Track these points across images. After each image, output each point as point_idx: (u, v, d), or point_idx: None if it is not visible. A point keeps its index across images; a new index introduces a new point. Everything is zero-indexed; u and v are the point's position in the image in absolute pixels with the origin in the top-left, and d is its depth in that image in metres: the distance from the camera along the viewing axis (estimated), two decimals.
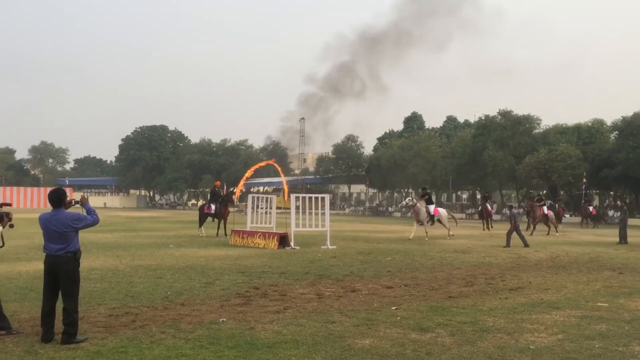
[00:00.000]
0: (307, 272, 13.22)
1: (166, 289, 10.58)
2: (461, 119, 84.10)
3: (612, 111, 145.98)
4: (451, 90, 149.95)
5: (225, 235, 23.39)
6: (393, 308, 9.04)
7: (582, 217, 41.68)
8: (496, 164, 55.86)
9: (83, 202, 7.35)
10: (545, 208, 29.29)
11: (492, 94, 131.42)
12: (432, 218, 24.51)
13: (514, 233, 20.86)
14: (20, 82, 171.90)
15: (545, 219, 29.08)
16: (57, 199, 6.99)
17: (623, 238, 23.16)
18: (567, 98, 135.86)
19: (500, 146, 57.07)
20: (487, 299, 9.97)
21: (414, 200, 25.61)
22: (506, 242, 20.81)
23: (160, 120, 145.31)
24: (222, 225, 24.81)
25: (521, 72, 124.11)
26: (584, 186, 49.29)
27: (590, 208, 41.45)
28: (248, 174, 28.80)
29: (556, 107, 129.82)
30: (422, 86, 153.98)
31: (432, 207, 24.71)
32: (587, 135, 55.44)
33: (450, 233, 24.70)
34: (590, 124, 57.27)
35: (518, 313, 8.77)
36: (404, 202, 24.39)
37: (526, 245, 20.42)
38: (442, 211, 25.85)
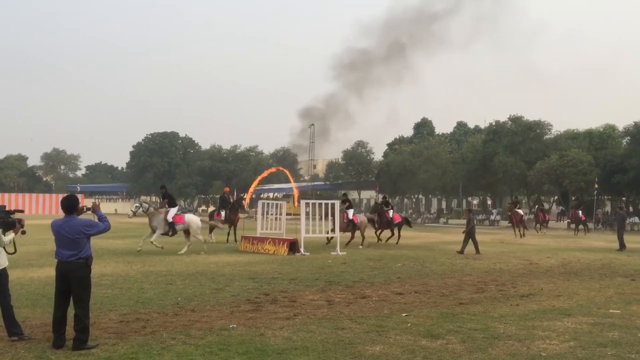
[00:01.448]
0: (317, 278, 13.21)
1: (176, 295, 10.61)
2: (471, 125, 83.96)
3: (624, 116, 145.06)
4: (475, 94, 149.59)
5: (236, 241, 23.43)
6: (403, 315, 9.01)
7: (573, 223, 39.21)
8: (507, 169, 55.63)
9: (95, 209, 7.40)
10: (391, 212, 25.22)
11: (506, 99, 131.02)
12: (171, 227, 19.10)
13: (470, 238, 20.37)
14: (32, 89, 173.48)
15: (389, 224, 24.91)
16: (70, 205, 7.05)
17: (620, 244, 22.87)
18: (579, 103, 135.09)
19: (511, 152, 56.85)
20: (498, 306, 9.92)
21: (146, 205, 19.81)
22: (461, 248, 20.27)
23: (171, 126, 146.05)
24: (232, 231, 24.87)
25: (535, 77, 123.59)
26: (595, 192, 48.96)
27: (580, 213, 38.45)
28: (257, 180, 28.84)
29: (567, 112, 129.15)
30: (450, 88, 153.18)
31: (172, 211, 19.34)
32: (598, 140, 55.09)
33: (187, 248, 19.22)
34: (601, 129, 56.93)
35: (529, 320, 8.71)
36: (131, 210, 19.19)
37: (478, 252, 19.91)
38: (191, 218, 20.11)
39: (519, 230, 31.35)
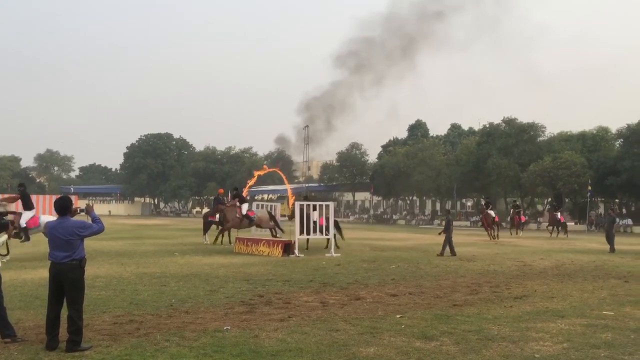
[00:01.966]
0: (312, 280, 13.21)
1: (170, 296, 10.58)
2: (465, 127, 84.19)
3: (617, 118, 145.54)
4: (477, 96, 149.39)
5: (230, 242, 23.39)
6: (397, 316, 9.02)
7: (550, 225, 36.45)
8: (501, 171, 55.86)
9: (88, 210, 7.39)
10: (315, 215, 21.81)
11: (504, 100, 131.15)
12: (24, 231, 16.52)
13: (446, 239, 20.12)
14: (25, 89, 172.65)
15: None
16: (63, 207, 7.03)
17: (611, 247, 22.87)
18: (576, 104, 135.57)
19: (504, 154, 57.09)
20: (492, 307, 9.94)
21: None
22: (450, 251, 19.91)
23: (165, 128, 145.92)
24: (225, 233, 24.82)
25: (533, 78, 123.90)
26: (589, 194, 49.22)
27: (558, 215, 35.73)
28: (252, 181, 28.80)
29: (565, 113, 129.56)
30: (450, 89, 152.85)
31: (27, 215, 16.68)
32: (591, 142, 55.42)
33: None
34: (595, 131, 57.25)
35: (523, 321, 8.74)
36: None
37: (442, 254, 19.68)
38: (45, 220, 16.51)
39: (492, 232, 30.56)
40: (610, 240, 23.27)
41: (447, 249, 20.03)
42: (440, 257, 19.38)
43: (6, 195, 17.64)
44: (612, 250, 22.66)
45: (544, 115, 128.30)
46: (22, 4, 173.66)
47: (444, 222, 21.07)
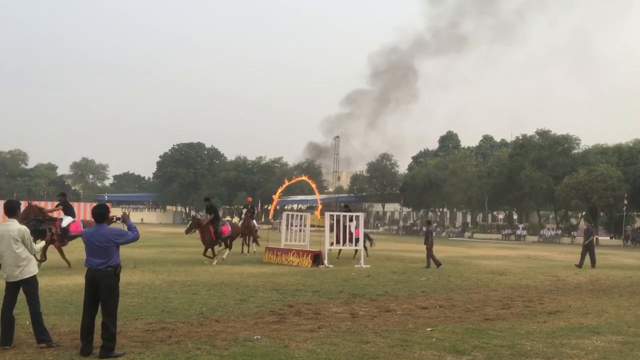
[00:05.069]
0: (341, 290, 13.18)
1: (201, 305, 10.67)
2: (498, 138, 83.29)
3: None
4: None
5: (254, 251, 23.43)
6: (428, 329, 8.93)
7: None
8: (534, 184, 55.05)
9: (125, 219, 7.53)
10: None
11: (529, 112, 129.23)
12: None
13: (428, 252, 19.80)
14: (61, 97, 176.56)
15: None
16: (101, 214, 7.17)
17: (592, 262, 21.75)
18: (610, 116, 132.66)
19: (538, 166, 56.26)
20: (524, 322, 9.78)
21: None
22: (434, 262, 19.64)
23: (198, 137, 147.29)
24: (249, 241, 24.77)
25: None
26: (625, 208, 48.17)
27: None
28: (280, 189, 28.88)
29: (596, 127, 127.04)
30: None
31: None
32: (628, 155, 54.27)
33: None
34: (631, 144, 56.08)
35: (557, 337, 8.57)
36: None
37: (439, 264, 19.51)
38: None
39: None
40: (583, 254, 22.00)
41: (436, 260, 19.79)
42: (427, 269, 19.12)
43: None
44: (581, 265, 21.51)
45: (582, 123, 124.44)
46: (48, 17, 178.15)
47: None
